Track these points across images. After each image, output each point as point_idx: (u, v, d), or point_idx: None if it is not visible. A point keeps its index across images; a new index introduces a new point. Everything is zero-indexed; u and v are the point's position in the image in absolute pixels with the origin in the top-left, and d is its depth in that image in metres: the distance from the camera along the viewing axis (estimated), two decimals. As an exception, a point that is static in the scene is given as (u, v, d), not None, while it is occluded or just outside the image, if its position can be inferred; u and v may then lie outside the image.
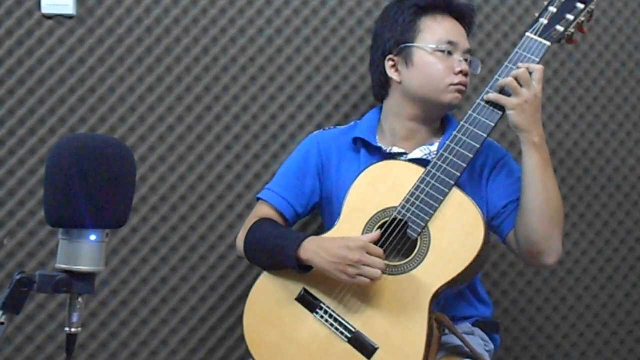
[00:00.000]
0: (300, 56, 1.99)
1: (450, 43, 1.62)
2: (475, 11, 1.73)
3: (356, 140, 1.70)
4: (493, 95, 1.53)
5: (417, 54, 1.63)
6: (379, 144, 1.67)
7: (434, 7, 1.65)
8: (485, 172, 1.67)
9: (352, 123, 1.79)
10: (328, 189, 1.70)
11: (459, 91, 1.62)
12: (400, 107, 1.68)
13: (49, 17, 1.90)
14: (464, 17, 1.69)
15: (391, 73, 1.67)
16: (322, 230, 1.76)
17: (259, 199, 1.72)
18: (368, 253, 1.44)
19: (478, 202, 1.51)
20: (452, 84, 1.61)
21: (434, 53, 1.62)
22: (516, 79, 1.51)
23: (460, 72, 1.61)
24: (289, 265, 1.52)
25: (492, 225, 1.66)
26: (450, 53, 1.62)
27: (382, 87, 1.72)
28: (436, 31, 1.63)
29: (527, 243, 1.57)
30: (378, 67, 1.70)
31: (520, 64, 1.53)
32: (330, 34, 2.00)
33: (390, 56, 1.67)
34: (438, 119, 1.71)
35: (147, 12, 1.93)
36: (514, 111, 1.51)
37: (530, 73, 1.51)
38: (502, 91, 1.53)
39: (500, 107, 1.53)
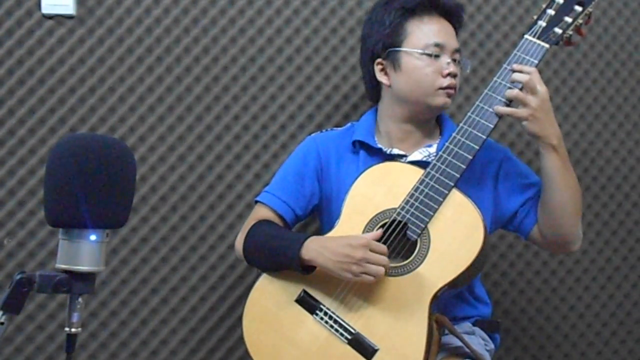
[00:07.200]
0: (300, 56, 1.99)
1: (437, 46, 1.60)
2: (463, 7, 1.70)
3: (355, 143, 1.69)
4: (504, 110, 1.51)
5: (405, 58, 1.61)
6: (379, 145, 1.67)
7: (420, 8, 1.63)
8: (490, 173, 1.66)
9: (349, 124, 1.78)
10: (327, 190, 1.69)
11: (448, 94, 1.61)
12: (393, 109, 1.67)
13: (49, 17, 1.89)
14: (451, 15, 1.66)
15: (380, 77, 1.66)
16: (320, 231, 1.76)
17: (257, 201, 1.71)
18: (371, 250, 1.44)
19: (482, 204, 1.51)
20: (440, 88, 1.60)
21: (422, 57, 1.60)
22: (521, 88, 1.50)
23: (449, 74, 1.60)
24: (291, 265, 1.51)
25: (512, 225, 1.66)
26: (437, 56, 1.60)
27: (373, 89, 1.71)
28: (423, 34, 1.61)
29: (554, 236, 1.61)
30: (368, 69, 1.69)
31: (514, 65, 1.52)
32: (330, 34, 2.00)
33: (379, 60, 1.65)
34: (432, 119, 1.70)
35: (147, 12, 1.93)
36: (527, 122, 1.50)
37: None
38: (509, 98, 1.51)
39: None
